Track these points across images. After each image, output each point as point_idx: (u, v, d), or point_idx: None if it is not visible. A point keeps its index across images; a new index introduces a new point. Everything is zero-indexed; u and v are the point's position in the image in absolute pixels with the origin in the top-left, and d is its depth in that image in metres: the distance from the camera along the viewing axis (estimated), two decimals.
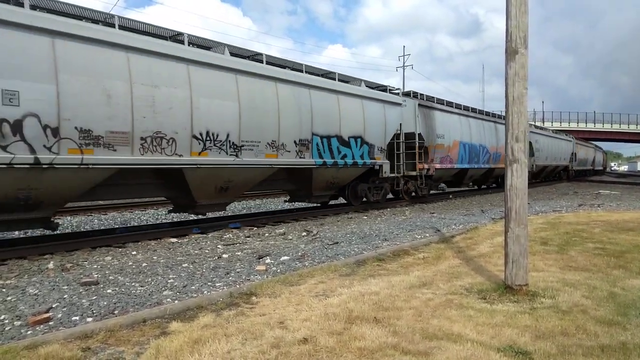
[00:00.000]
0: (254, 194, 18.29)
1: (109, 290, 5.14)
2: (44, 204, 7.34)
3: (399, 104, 15.15)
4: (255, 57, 10.77)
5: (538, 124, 44.26)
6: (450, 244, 7.65)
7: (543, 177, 33.14)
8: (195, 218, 11.50)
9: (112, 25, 8.07)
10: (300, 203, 14.65)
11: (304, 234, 9.31)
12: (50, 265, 6.46)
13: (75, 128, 7.19)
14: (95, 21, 8.05)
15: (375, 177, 14.48)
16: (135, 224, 11.42)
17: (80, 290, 5.13)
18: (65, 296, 4.90)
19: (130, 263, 6.63)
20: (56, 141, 6.99)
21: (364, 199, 14.53)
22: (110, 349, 3.38)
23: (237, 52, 10.38)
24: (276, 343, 3.38)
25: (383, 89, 15.05)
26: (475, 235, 8.50)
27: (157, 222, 11.87)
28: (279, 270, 6.09)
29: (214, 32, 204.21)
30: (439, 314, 4.01)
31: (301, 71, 11.83)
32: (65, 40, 7.09)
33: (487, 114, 23.23)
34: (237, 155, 9.82)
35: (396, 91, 15.74)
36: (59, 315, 4.30)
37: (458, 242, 7.82)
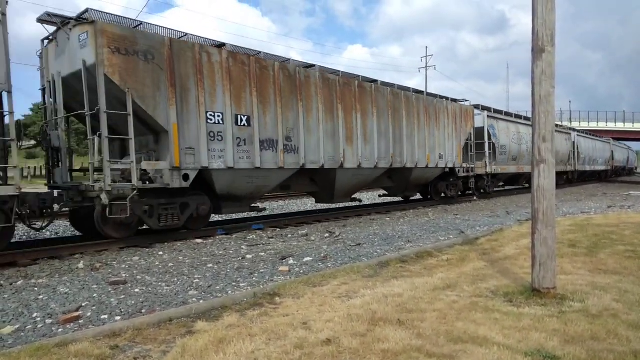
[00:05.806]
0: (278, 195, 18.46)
1: (136, 290, 5.25)
2: None
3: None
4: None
5: (565, 123, 43.61)
6: (475, 246, 7.54)
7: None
8: (220, 219, 11.63)
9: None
10: (322, 205, 15.53)
11: (327, 235, 9.32)
12: (81, 265, 6.63)
13: None
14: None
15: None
16: None
17: (109, 290, 5.26)
18: (95, 295, 5.03)
19: (157, 263, 6.76)
20: None
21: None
22: (137, 347, 3.45)
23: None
24: (300, 344, 3.39)
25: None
26: (501, 237, 8.35)
27: None
28: (301, 271, 6.11)
29: (233, 35, 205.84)
30: (464, 316, 3.95)
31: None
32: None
33: None
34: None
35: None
36: (89, 314, 4.41)
37: (483, 244, 7.70)
